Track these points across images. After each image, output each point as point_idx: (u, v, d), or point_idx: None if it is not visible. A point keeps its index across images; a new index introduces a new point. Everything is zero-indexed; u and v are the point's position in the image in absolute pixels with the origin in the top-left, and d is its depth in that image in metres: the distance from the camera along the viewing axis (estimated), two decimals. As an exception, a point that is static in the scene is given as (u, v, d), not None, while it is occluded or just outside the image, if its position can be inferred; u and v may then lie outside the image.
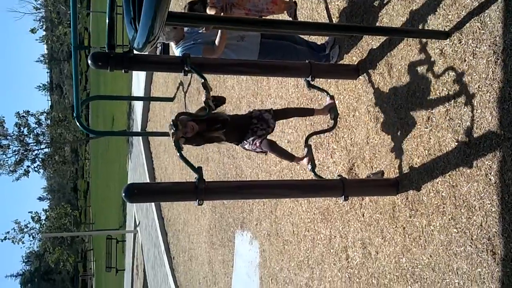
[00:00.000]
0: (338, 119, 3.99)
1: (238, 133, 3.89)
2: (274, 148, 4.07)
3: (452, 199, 3.17)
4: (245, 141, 3.90)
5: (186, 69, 3.66)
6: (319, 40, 4.80)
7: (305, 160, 3.93)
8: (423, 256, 3.37)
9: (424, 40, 3.47)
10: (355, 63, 4.22)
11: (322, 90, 4.05)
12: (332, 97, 4.01)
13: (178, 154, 3.41)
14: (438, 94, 3.32)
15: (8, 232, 43.43)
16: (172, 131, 3.50)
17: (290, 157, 4.15)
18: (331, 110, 3.99)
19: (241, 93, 6.96)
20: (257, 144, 3.84)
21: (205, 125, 3.67)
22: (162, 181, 12.81)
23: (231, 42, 4.28)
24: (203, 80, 3.60)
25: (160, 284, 13.72)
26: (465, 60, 3.12)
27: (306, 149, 3.93)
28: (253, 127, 3.87)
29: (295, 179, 5.13)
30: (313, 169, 3.85)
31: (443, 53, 3.30)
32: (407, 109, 3.61)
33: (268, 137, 3.95)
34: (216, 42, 4.16)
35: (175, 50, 4.34)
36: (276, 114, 4.01)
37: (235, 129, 3.87)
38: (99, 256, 46.29)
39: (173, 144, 3.48)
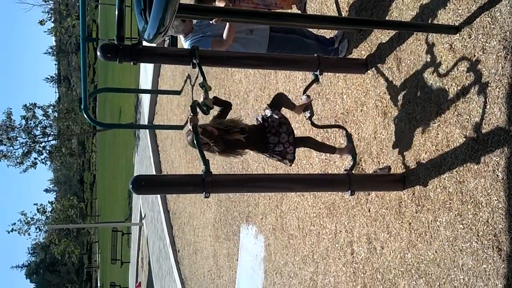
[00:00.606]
0: (313, 117, 4.01)
1: (258, 139, 3.79)
2: (312, 143, 4.05)
3: (459, 195, 3.16)
4: (270, 146, 3.79)
5: (194, 61, 3.66)
6: (328, 34, 4.79)
7: (345, 150, 3.94)
8: (429, 251, 3.36)
9: (433, 34, 3.46)
10: (364, 57, 4.21)
11: (306, 89, 4.05)
12: (308, 96, 3.99)
13: (195, 138, 3.34)
14: (447, 89, 3.31)
15: (14, 224, 43.72)
16: (190, 115, 3.43)
17: (331, 149, 4.11)
18: (306, 108, 3.98)
19: (249, 87, 6.96)
20: (291, 147, 3.76)
21: (223, 131, 3.59)
22: (169, 174, 12.84)
23: (240, 35, 4.28)
24: (202, 80, 3.57)
25: (165, 277, 13.78)
26: (474, 55, 3.10)
27: (346, 139, 3.94)
28: (269, 129, 3.78)
29: (301, 173, 5.13)
30: (354, 160, 3.84)
31: (452, 48, 3.29)
32: (415, 104, 3.59)
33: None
34: (224, 35, 4.16)
35: (184, 43, 4.34)
36: (270, 105, 3.90)
37: (254, 136, 3.77)
38: (104, 248, 46.54)
39: (191, 128, 3.41)
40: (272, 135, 3.76)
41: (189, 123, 3.43)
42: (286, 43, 4.40)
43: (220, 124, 3.61)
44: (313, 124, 4.00)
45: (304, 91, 4.05)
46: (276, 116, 3.80)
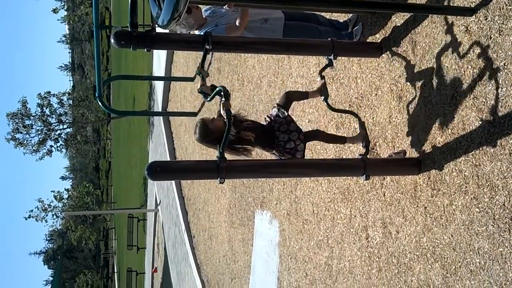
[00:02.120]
0: (328, 100, 3.99)
1: (266, 137, 3.78)
2: (322, 136, 4.07)
3: (475, 178, 3.14)
4: (278, 143, 3.77)
5: (208, 47, 3.65)
6: (341, 17, 4.75)
7: (358, 138, 3.94)
8: (444, 235, 3.35)
9: (449, 17, 3.41)
10: (378, 41, 4.17)
11: (322, 71, 4.02)
12: (322, 77, 3.97)
13: (228, 124, 3.27)
14: (463, 72, 3.27)
15: (32, 211, 44.38)
16: (222, 101, 3.33)
17: (341, 139, 4.13)
18: (322, 92, 3.97)
19: (262, 73, 6.94)
20: (301, 143, 3.76)
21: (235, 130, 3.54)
22: (183, 160, 12.90)
23: (254, 25, 4.25)
24: (199, 66, 3.53)
25: (181, 262, 13.92)
26: (490, 37, 3.06)
27: (359, 126, 3.94)
28: (277, 127, 3.78)
29: (316, 158, 5.12)
30: (367, 146, 3.83)
31: (468, 30, 3.24)
32: (431, 88, 3.56)
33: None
34: (237, 22, 4.13)
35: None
36: (280, 104, 3.87)
37: (262, 134, 3.76)
38: (120, 235, 47.04)
39: (225, 113, 3.29)
40: (281, 133, 3.77)
41: (222, 108, 3.33)
42: (301, 31, 4.37)
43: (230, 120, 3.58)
44: (328, 106, 3.99)
45: (320, 73, 4.03)
46: (283, 115, 3.81)
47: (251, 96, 7.30)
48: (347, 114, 4.56)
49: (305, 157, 3.91)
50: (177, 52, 14.15)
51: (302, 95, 4.09)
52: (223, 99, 3.33)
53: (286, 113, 3.83)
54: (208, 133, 3.54)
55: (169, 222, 16.64)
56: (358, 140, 4.01)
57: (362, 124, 3.97)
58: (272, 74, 6.55)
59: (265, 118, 3.92)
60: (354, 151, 4.51)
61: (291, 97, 3.99)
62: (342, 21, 4.66)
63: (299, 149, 3.79)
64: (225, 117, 3.28)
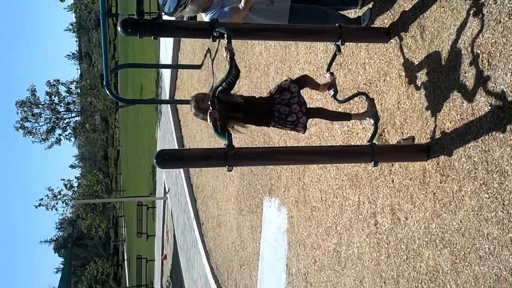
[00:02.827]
0: (337, 95, 3.99)
1: (261, 113, 3.77)
2: (325, 113, 4.06)
3: (484, 164, 3.12)
4: (276, 117, 3.76)
5: (215, 34, 3.64)
6: (351, 14, 4.70)
7: (367, 114, 3.91)
8: (453, 221, 3.34)
9: (458, 1, 3.37)
10: (387, 26, 4.13)
11: (330, 64, 4.00)
12: (332, 74, 3.95)
13: (214, 130, 3.37)
14: (472, 57, 3.24)
15: (42, 199, 44.75)
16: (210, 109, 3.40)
17: (345, 116, 4.10)
18: (330, 86, 3.96)
19: (269, 59, 6.92)
20: (304, 116, 3.75)
21: (223, 106, 3.55)
22: (192, 148, 12.93)
23: (260, 6, 4.22)
24: (226, 32, 3.46)
25: (190, 249, 14.01)
26: (500, 21, 3.02)
27: (366, 103, 3.91)
28: (278, 100, 3.76)
29: (323, 145, 5.11)
30: (375, 124, 3.81)
31: (477, 14, 3.20)
32: (440, 73, 3.53)
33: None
34: (241, 4, 4.09)
35: (204, 17, 4.30)
36: (293, 80, 3.87)
37: (256, 109, 3.76)
38: (130, 222, 47.39)
39: (210, 122, 3.37)
40: (282, 106, 3.76)
41: (208, 117, 3.38)
42: (308, 14, 4.33)
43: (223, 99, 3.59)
44: (337, 101, 3.99)
45: (328, 69, 4.01)
46: (291, 89, 3.79)
47: (258, 83, 7.28)
48: (355, 101, 4.54)
49: (306, 131, 3.91)
50: (184, 40, 14.12)
51: (315, 85, 4.09)
52: (226, 40, 3.37)
53: (296, 88, 3.82)
54: (200, 110, 3.65)
55: (178, 210, 16.72)
56: (366, 115, 3.94)
57: (371, 101, 3.91)
58: (279, 60, 6.52)
59: (269, 90, 3.92)
60: (362, 137, 4.49)
61: (307, 80, 4.01)
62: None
63: (301, 121, 3.78)
64: (228, 59, 3.33)
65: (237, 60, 8.24)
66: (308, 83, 4.01)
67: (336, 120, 4.66)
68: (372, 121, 3.85)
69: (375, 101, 4.21)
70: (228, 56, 3.34)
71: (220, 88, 3.48)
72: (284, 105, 3.76)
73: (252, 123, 3.90)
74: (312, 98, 5.40)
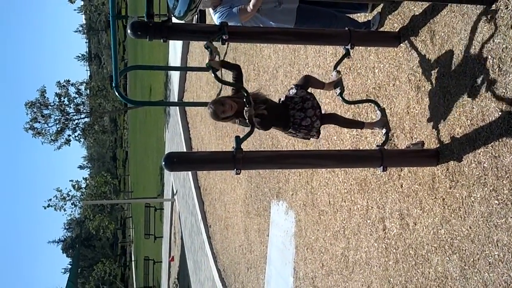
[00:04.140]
0: (343, 94, 3.98)
1: (279, 116, 3.77)
2: (339, 120, 4.04)
3: (494, 170, 3.09)
4: (292, 122, 3.77)
5: (224, 37, 3.64)
6: (360, 18, 4.69)
7: (379, 123, 3.89)
8: (463, 227, 3.32)
9: (468, 6, 3.35)
10: (396, 30, 4.12)
11: (337, 64, 3.98)
12: (338, 72, 3.94)
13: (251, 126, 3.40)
14: (482, 62, 3.22)
15: (50, 200, 44.97)
16: (247, 107, 3.45)
17: (359, 124, 4.09)
18: (337, 84, 3.95)
19: (278, 63, 6.91)
20: (318, 121, 3.75)
21: (243, 105, 3.56)
22: (200, 151, 12.94)
23: (267, 6, 4.22)
24: (209, 41, 3.50)
25: (197, 251, 14.01)
26: (511, 27, 3.00)
27: (378, 113, 3.89)
28: (292, 106, 3.76)
29: (332, 149, 5.10)
30: (387, 133, 3.79)
31: (488, 19, 3.18)
32: (450, 78, 3.51)
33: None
34: (249, 6, 4.09)
35: (213, 16, 4.32)
36: (298, 85, 3.87)
37: (275, 112, 3.75)
38: (137, 224, 47.48)
39: (248, 119, 3.44)
40: (297, 111, 3.75)
41: (245, 114, 3.45)
42: (316, 16, 4.32)
43: (240, 97, 3.60)
44: (344, 100, 3.97)
45: (335, 67, 4.00)
46: (300, 94, 3.79)
47: (267, 86, 7.28)
48: (364, 105, 4.53)
49: (320, 136, 3.90)
50: (193, 42, 14.15)
51: (319, 84, 4.07)
52: (247, 105, 3.45)
53: (304, 92, 3.81)
54: (219, 116, 3.62)
55: (185, 212, 16.74)
56: (377, 125, 3.92)
57: (382, 111, 3.91)
58: (288, 64, 6.52)
59: (279, 99, 3.91)
60: (371, 141, 4.47)
61: (309, 80, 3.99)
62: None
63: (316, 126, 3.77)
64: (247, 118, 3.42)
65: (245, 63, 8.25)
66: (311, 82, 3.99)
67: (349, 128, 4.63)
68: (384, 131, 3.84)
69: (385, 106, 4.20)
70: (247, 116, 3.46)
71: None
72: (299, 110, 3.76)
73: (272, 122, 3.83)
74: (321, 101, 5.38)
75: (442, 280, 3.49)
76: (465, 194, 3.31)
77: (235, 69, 3.65)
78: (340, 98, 3.97)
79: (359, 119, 4.52)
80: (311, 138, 3.92)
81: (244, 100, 3.44)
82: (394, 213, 4.09)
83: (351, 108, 4.78)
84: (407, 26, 4.01)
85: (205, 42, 3.52)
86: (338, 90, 3.99)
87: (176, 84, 16.72)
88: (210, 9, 4.34)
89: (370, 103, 4.04)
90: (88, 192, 47.67)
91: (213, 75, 3.50)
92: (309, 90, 3.90)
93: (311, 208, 5.75)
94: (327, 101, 5.26)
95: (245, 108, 3.43)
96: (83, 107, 29.94)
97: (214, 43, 3.55)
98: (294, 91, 3.82)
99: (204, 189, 13.29)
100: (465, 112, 3.35)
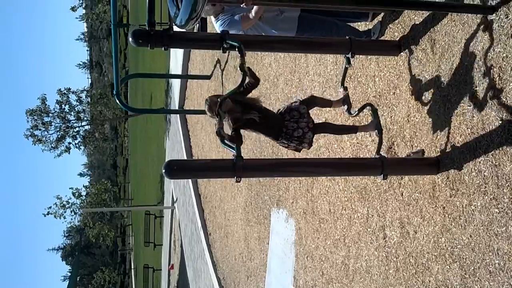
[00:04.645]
0: (351, 110, 3.99)
1: (273, 126, 3.78)
2: (331, 128, 4.05)
3: (494, 178, 3.10)
4: (284, 133, 3.77)
5: (225, 46, 3.65)
6: (361, 27, 4.70)
7: (371, 125, 3.88)
8: (463, 236, 3.32)
9: (469, 15, 3.37)
10: (397, 39, 4.13)
11: (343, 79, 4.00)
12: (345, 89, 3.96)
13: (220, 140, 3.40)
14: (483, 71, 3.23)
15: (50, 207, 44.88)
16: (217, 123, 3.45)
17: (352, 129, 4.10)
18: (344, 101, 3.97)
19: (279, 71, 6.93)
20: (310, 132, 3.75)
21: (241, 108, 3.60)
22: (200, 158, 12.94)
23: (269, 15, 4.24)
24: (238, 45, 3.48)
25: (197, 259, 13.98)
26: (511, 36, 3.02)
27: (372, 114, 3.89)
28: (288, 118, 3.77)
29: (332, 158, 5.10)
30: (380, 135, 3.78)
31: (488, 28, 3.20)
32: (450, 86, 3.52)
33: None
34: (251, 14, 4.12)
35: (214, 24, 4.34)
36: (302, 101, 3.89)
37: (270, 121, 3.78)
38: (137, 231, 47.40)
39: (216, 131, 3.43)
40: (291, 122, 3.77)
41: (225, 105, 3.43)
42: (317, 25, 4.34)
43: (240, 99, 3.61)
44: (350, 114, 4.00)
45: (342, 83, 4.01)
46: (302, 111, 3.80)
47: (268, 94, 7.29)
48: (364, 112, 4.53)
49: (311, 147, 3.89)
50: (194, 50, 14.19)
51: (326, 103, 4.11)
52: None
53: (305, 110, 3.82)
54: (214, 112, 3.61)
55: (185, 220, 16.72)
56: (370, 128, 3.93)
57: (375, 111, 3.89)
58: (288, 72, 6.54)
59: (278, 110, 3.93)
60: (371, 150, 4.47)
61: (315, 100, 4.04)
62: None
63: (307, 137, 3.77)
64: (241, 72, 3.33)
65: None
66: (316, 103, 4.05)
67: (343, 134, 4.65)
68: (376, 132, 3.84)
69: (385, 114, 4.21)
70: (242, 69, 3.32)
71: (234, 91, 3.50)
72: (293, 122, 3.77)
73: (262, 130, 3.86)
74: (321, 109, 5.39)
75: (443, 289, 3.48)
76: (466, 202, 3.31)
77: (256, 81, 3.70)
78: (348, 114, 3.98)
79: (351, 124, 4.53)
80: (302, 149, 3.92)
81: (243, 74, 3.37)
82: (395, 222, 4.09)
83: (352, 117, 4.79)
84: (407, 35, 4.03)
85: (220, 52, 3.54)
86: (345, 107, 4.00)
87: (177, 92, 16.76)
88: (212, 17, 4.37)
89: (366, 107, 4.03)
90: (88, 199, 47.62)
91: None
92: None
93: (311, 216, 5.75)
94: (327, 109, 5.26)
95: (224, 100, 3.43)
96: (83, 115, 29.98)
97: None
98: (296, 105, 3.84)
99: (204, 197, 13.28)
100: (466, 121, 3.36)
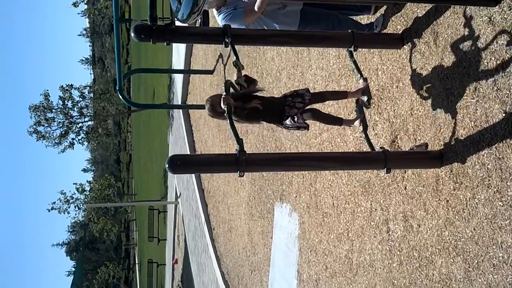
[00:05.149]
0: (371, 101, 4.00)
1: (275, 111, 3.86)
2: (318, 115, 4.06)
3: (498, 171, 3.09)
4: (285, 117, 3.86)
5: (227, 40, 3.65)
6: (364, 20, 4.68)
7: (357, 122, 3.94)
8: (467, 229, 3.31)
9: (472, 7, 3.35)
10: (400, 32, 4.12)
11: (358, 70, 4.00)
12: (365, 80, 3.97)
13: (228, 117, 3.40)
14: (486, 64, 3.21)
15: (54, 203, 45.07)
16: (224, 95, 3.48)
17: (338, 121, 4.14)
18: (364, 92, 3.97)
19: (281, 65, 6.92)
20: (299, 115, 3.81)
21: (241, 100, 3.67)
22: (203, 153, 12.95)
23: (271, 8, 4.23)
24: (235, 58, 3.58)
25: (201, 254, 14.01)
26: (515, 28, 3.00)
27: (356, 109, 3.92)
28: (289, 103, 3.84)
29: (335, 151, 5.10)
30: (364, 130, 3.81)
31: (491, 20, 3.18)
32: (453, 79, 3.51)
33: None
34: (256, 7, 4.10)
35: (217, 17, 4.33)
36: (312, 94, 3.97)
37: (271, 107, 3.84)
38: (141, 226, 47.50)
39: (225, 108, 3.43)
40: (288, 109, 3.84)
41: (222, 102, 3.46)
42: (320, 19, 4.32)
43: (236, 92, 3.68)
44: (366, 107, 4.02)
45: (360, 75, 3.99)
46: (304, 96, 3.87)
47: (270, 88, 7.28)
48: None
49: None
50: (196, 45, 14.18)
51: (340, 95, 4.22)
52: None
53: (308, 96, 3.88)
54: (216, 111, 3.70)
55: (189, 214, 16.75)
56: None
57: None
58: (291, 66, 6.52)
59: (284, 94, 3.99)
60: (374, 143, 4.46)
61: (324, 96, 4.18)
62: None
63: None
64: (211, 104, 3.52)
65: (248, 65, 8.25)
66: (327, 98, 4.16)
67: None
68: (365, 98, 3.92)
69: (389, 107, 4.20)
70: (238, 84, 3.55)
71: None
72: (292, 107, 3.85)
73: (266, 117, 3.92)
74: (324, 103, 5.37)
75: (446, 282, 3.48)
76: (469, 195, 3.30)
77: (255, 82, 3.78)
78: (366, 106, 4.00)
79: (338, 116, 4.56)
80: (302, 130, 3.99)
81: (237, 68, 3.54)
82: (398, 215, 4.08)
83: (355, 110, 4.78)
84: (410, 28, 4.01)
85: (233, 60, 3.63)
86: (365, 98, 3.98)
87: (180, 87, 16.75)
88: (214, 10, 4.35)
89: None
90: (92, 195, 47.77)
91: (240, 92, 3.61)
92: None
93: (314, 210, 5.75)
94: (330, 103, 5.25)
95: (223, 96, 3.49)
96: (86, 110, 30.02)
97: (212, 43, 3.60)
98: (304, 90, 3.92)
99: (208, 192, 13.29)
100: (469, 114, 3.35)
